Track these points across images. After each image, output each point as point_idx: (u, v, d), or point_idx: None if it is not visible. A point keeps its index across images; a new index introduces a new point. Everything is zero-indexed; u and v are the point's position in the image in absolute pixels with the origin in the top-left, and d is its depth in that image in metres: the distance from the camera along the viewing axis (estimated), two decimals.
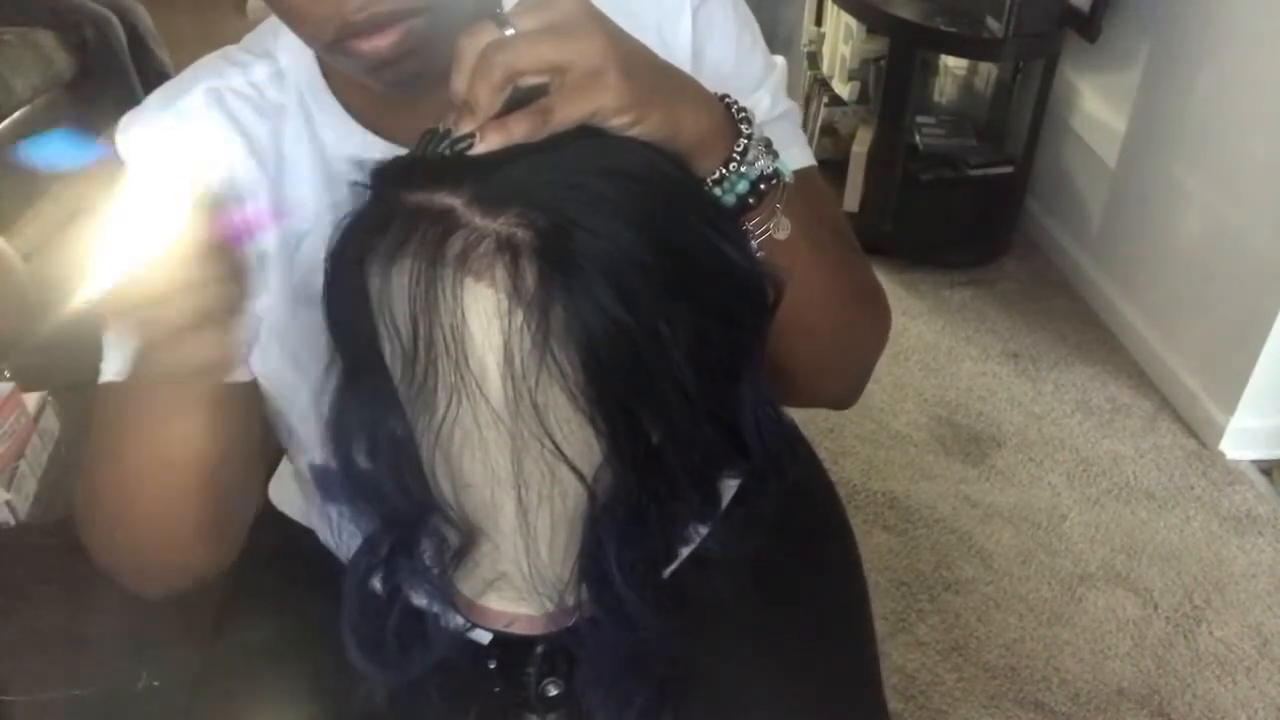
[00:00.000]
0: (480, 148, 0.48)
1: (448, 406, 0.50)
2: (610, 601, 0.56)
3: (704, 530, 0.68)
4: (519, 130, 0.48)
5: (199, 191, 0.49)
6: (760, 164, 0.56)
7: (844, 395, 0.76)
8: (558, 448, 0.50)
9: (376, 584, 0.61)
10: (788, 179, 0.58)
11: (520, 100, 0.49)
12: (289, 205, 0.69)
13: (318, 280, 0.54)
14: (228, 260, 0.50)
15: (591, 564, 0.55)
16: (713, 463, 0.57)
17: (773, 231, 0.58)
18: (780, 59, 0.73)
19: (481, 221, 0.47)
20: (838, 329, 0.67)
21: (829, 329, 0.66)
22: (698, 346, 0.49)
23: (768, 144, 0.58)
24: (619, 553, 0.54)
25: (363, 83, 0.62)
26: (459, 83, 0.50)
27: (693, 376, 0.50)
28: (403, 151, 0.52)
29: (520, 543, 0.54)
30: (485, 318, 0.47)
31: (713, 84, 0.58)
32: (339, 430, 0.57)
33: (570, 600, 0.57)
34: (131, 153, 0.69)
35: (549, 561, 0.55)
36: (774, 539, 0.66)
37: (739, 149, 0.56)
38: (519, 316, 0.47)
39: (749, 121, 0.57)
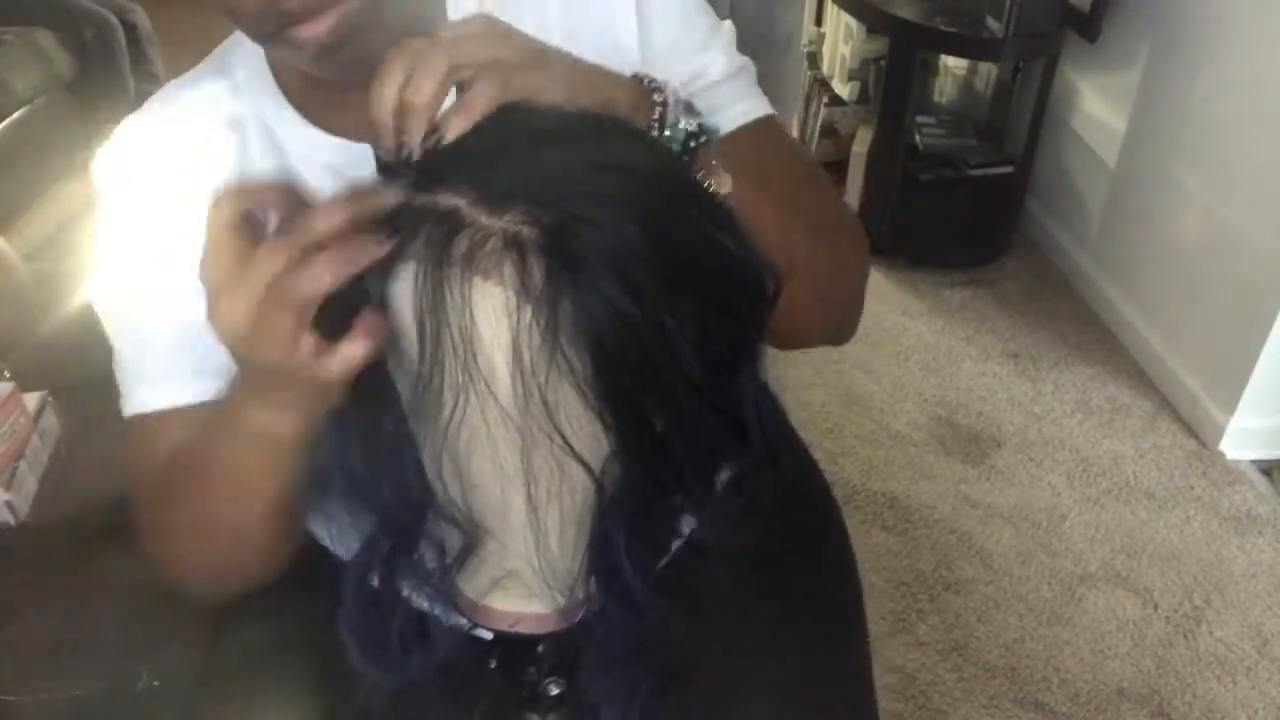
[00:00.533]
0: (450, 135, 0.50)
1: (455, 406, 0.50)
2: (620, 591, 0.56)
3: (695, 522, 0.68)
4: (480, 104, 0.51)
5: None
6: (683, 125, 0.59)
7: (835, 330, 0.78)
8: (567, 443, 0.50)
9: (376, 584, 0.61)
10: (714, 136, 0.60)
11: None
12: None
13: None
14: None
15: (600, 556, 0.56)
16: (716, 453, 0.57)
17: (714, 188, 0.60)
18: (727, 23, 0.78)
19: (487, 220, 0.47)
20: (805, 265, 0.66)
21: (795, 265, 0.66)
22: (702, 338, 0.50)
23: (688, 106, 0.61)
24: (628, 544, 0.55)
25: (309, 76, 0.64)
26: (386, 90, 0.52)
27: (698, 368, 0.50)
28: (362, 148, 0.54)
29: (530, 539, 0.55)
30: (494, 316, 0.47)
31: (661, 49, 0.65)
32: (337, 432, 0.57)
33: (580, 594, 0.57)
34: (103, 186, 0.71)
35: (559, 556, 0.56)
36: (771, 536, 0.66)
37: (655, 115, 0.59)
38: (528, 313, 0.47)
39: (660, 90, 0.60)
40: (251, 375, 0.56)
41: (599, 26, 0.71)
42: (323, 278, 0.49)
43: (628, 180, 0.49)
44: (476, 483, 0.54)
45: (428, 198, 0.48)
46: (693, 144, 0.59)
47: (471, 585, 0.59)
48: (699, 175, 0.60)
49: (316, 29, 0.58)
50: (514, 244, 0.46)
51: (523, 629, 0.58)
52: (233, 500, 0.63)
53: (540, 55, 0.56)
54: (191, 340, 0.71)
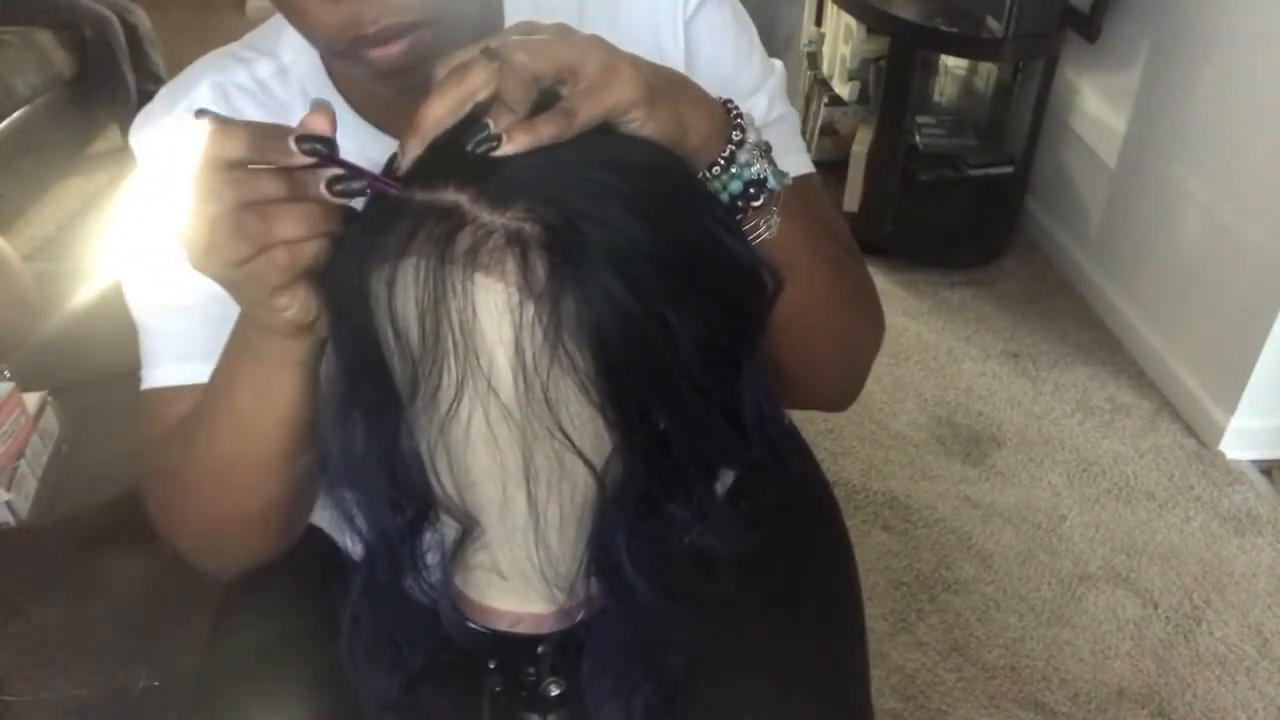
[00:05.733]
0: (507, 148, 0.48)
1: (456, 404, 0.50)
2: (620, 590, 0.56)
3: (701, 522, 0.68)
4: (546, 132, 0.49)
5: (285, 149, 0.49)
6: (756, 168, 0.57)
7: (842, 395, 0.76)
8: (569, 440, 0.50)
9: (378, 584, 0.61)
10: (775, 187, 0.58)
11: (536, 106, 0.50)
12: None
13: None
14: (312, 214, 0.50)
15: (601, 554, 0.56)
16: (717, 451, 0.57)
17: (764, 232, 0.59)
18: (779, 63, 0.74)
19: (489, 217, 0.47)
20: (836, 328, 0.68)
21: (828, 328, 0.67)
22: (704, 334, 0.50)
23: (766, 148, 0.59)
24: (628, 542, 0.55)
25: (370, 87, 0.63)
26: (436, 108, 0.50)
27: (700, 364, 0.50)
28: None
29: (530, 537, 0.55)
30: (496, 312, 0.47)
31: (709, 89, 0.59)
32: (340, 430, 0.57)
33: (580, 593, 0.57)
34: (143, 153, 0.70)
35: (559, 554, 0.56)
36: (771, 536, 0.66)
37: (725, 153, 0.57)
38: (530, 310, 0.47)
39: (743, 128, 0.58)
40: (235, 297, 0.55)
41: (645, 55, 0.68)
42: (299, 229, 0.49)
43: (630, 176, 0.49)
44: (476, 480, 0.53)
45: (429, 194, 0.48)
46: (752, 190, 0.57)
47: (472, 584, 0.59)
48: (752, 221, 0.58)
49: (389, 52, 0.58)
50: (516, 240, 0.47)
51: (523, 629, 0.58)
52: (237, 440, 0.62)
53: (618, 59, 0.52)
54: (218, 318, 0.71)
